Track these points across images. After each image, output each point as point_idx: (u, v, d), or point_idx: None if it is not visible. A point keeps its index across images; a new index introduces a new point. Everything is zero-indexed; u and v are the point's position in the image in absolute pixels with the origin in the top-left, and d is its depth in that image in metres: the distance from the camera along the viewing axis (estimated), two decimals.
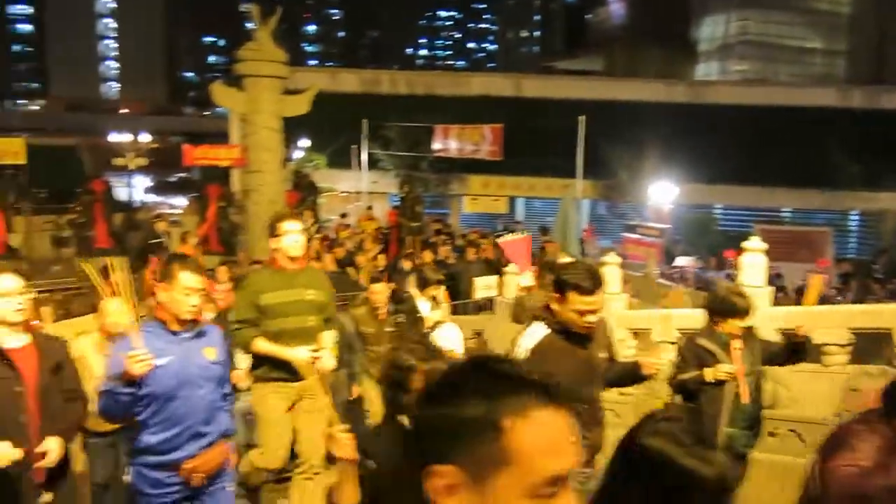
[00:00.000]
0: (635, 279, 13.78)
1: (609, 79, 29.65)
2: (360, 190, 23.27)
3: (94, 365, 4.21)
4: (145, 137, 26.09)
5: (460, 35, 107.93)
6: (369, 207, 20.02)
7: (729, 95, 25.87)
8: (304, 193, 19.36)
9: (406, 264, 10.99)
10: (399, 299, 6.56)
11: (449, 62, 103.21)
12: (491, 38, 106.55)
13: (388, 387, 2.78)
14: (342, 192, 24.73)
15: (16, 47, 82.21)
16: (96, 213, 16.81)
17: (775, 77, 35.76)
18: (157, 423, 3.33)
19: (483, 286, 10.73)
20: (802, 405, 5.55)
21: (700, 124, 23.97)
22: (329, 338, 4.63)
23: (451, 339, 6.43)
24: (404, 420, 2.63)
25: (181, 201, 30.90)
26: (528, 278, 6.38)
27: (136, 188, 26.15)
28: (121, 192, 23.04)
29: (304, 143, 23.65)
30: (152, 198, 32.89)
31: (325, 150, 23.87)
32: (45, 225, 18.95)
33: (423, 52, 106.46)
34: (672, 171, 21.31)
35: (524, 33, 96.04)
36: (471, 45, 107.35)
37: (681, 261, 19.82)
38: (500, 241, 10.10)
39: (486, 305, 11.23)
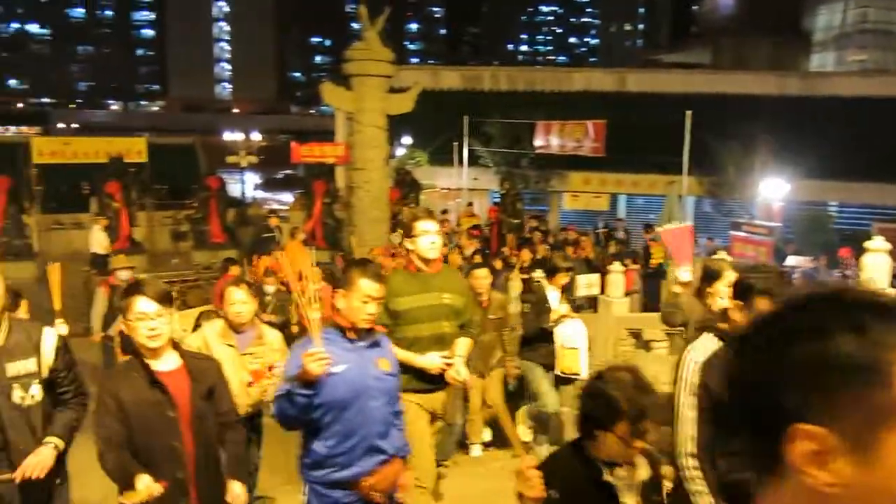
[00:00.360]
0: None
1: (717, 71, 28.74)
2: (461, 187, 23.47)
3: (216, 352, 4.39)
4: (256, 136, 27.14)
5: (562, 30, 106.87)
6: (469, 204, 20.15)
7: (846, 87, 24.59)
8: (405, 190, 19.72)
9: (497, 264, 10.85)
10: (529, 288, 6.45)
11: (550, 57, 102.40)
12: (593, 32, 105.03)
13: (585, 418, 2.48)
14: (442, 189, 24.99)
15: (139, 52, 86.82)
16: (211, 208, 17.62)
17: None
18: (332, 434, 3.20)
19: (584, 284, 10.65)
20: None
21: (814, 118, 22.91)
22: (464, 345, 4.37)
23: (576, 336, 6.33)
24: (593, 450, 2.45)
25: (287, 197, 32.03)
26: (687, 273, 6.05)
27: (246, 185, 27.19)
28: (233, 189, 24.02)
29: (406, 140, 24.02)
30: (260, 194, 34.19)
31: (427, 146, 24.17)
32: (165, 220, 20.01)
33: (524, 47, 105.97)
34: (783, 166, 20.51)
35: (627, 27, 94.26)
36: (572, 39, 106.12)
37: (792, 260, 19.09)
38: (659, 230, 9.84)
39: (586, 305, 11.15)
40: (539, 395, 6.30)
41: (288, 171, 42.99)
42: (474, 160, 23.48)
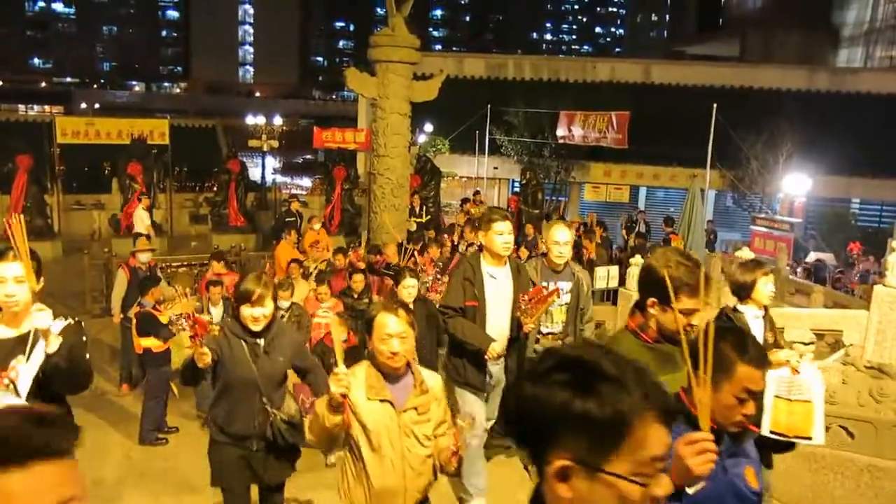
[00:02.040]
0: None
1: (744, 64, 28.37)
2: (481, 175, 23.37)
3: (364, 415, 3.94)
4: (278, 120, 27.14)
5: (586, 19, 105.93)
6: (476, 192, 19.96)
7: (874, 83, 24.22)
8: (426, 178, 19.65)
9: (522, 253, 10.95)
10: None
11: (574, 47, 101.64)
12: (618, 22, 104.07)
13: None
14: (463, 178, 24.91)
15: (163, 33, 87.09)
16: (231, 192, 17.66)
17: None
18: None
19: (601, 276, 10.56)
20: None
21: (841, 113, 22.61)
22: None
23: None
24: None
25: (306, 182, 32.09)
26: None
27: (266, 169, 27.27)
28: (252, 173, 24.08)
29: (428, 127, 23.94)
30: (279, 178, 34.26)
31: (448, 134, 24.09)
32: (186, 202, 20.06)
33: (549, 36, 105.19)
34: (807, 162, 20.27)
35: (654, 17, 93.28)
36: (598, 29, 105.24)
37: (812, 256, 18.89)
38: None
39: (606, 296, 11.08)
40: None
41: (307, 156, 43.08)
42: (495, 149, 23.37)
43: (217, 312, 7.37)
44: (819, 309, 10.46)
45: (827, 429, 5.30)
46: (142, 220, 15.12)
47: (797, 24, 33.74)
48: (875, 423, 5.09)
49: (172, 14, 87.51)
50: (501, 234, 4.71)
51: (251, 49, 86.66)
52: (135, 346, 7.23)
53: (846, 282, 16.49)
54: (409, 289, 5.71)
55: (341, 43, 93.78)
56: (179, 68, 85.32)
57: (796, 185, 19.43)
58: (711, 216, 21.06)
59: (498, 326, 4.81)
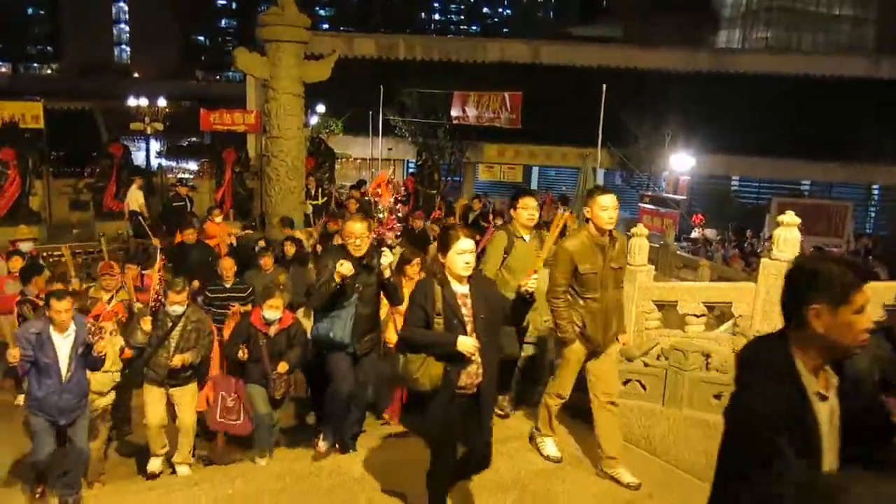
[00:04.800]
0: (653, 251, 13.75)
1: (631, 46, 29.26)
2: (376, 157, 23.18)
3: None
4: (162, 102, 26.00)
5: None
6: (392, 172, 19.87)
7: (752, 64, 25.42)
8: (320, 159, 19.32)
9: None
10: None
11: (463, 27, 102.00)
12: (505, 2, 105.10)
13: None
14: (357, 159, 24.65)
15: (30, 10, 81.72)
16: (113, 177, 16.85)
17: (801, 46, 35.05)
18: None
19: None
20: None
21: (722, 93, 23.61)
22: None
23: None
24: None
25: (192, 166, 30.92)
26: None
27: (149, 153, 26.13)
28: (136, 157, 23.00)
29: (320, 108, 23.52)
30: (164, 162, 32.88)
31: (341, 115, 23.75)
32: (65, 188, 18.99)
33: (437, 16, 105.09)
34: (691, 141, 21.11)
35: None
36: (485, 9, 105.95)
37: (696, 232, 19.74)
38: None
39: None
40: None
41: (192, 139, 41.48)
42: (389, 130, 23.22)
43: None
44: (709, 282, 10.91)
45: (717, 396, 5.58)
46: (136, 199, 15.26)
47: (679, 7, 35.02)
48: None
49: None
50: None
51: (126, 28, 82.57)
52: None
53: (727, 256, 17.31)
54: None
55: (223, 22, 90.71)
56: (49, 48, 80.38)
57: (681, 163, 20.24)
58: None
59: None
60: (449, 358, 3.83)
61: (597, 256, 4.91)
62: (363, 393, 5.49)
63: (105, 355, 5.61)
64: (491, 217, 13.84)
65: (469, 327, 3.88)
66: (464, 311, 3.90)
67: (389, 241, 7.65)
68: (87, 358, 5.46)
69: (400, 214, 9.35)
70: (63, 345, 5.37)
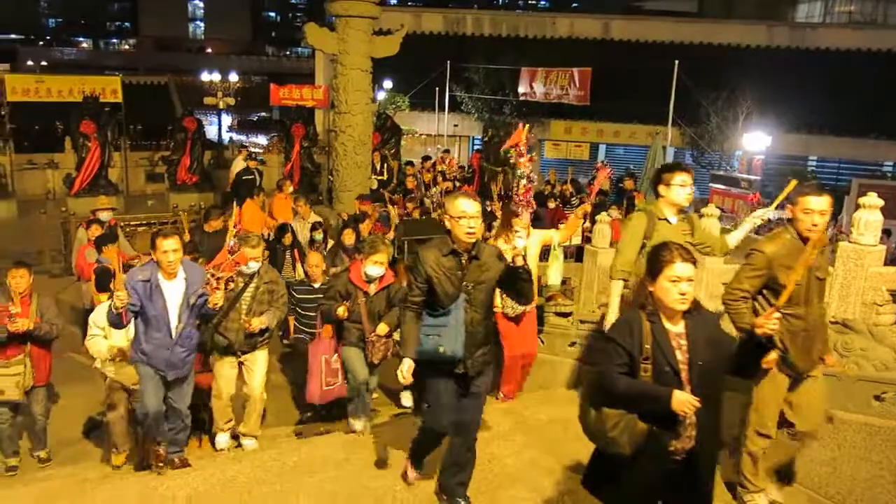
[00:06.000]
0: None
1: (704, 20, 28.40)
2: (442, 133, 23.18)
3: None
4: (234, 77, 26.50)
5: None
6: (446, 151, 19.83)
7: (833, 39, 24.41)
8: (386, 135, 19.41)
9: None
10: None
11: (531, 1, 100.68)
12: None
13: None
14: (423, 135, 24.68)
15: None
16: (187, 150, 17.29)
17: (885, 20, 33.45)
18: None
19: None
20: None
21: (800, 70, 22.78)
22: None
23: None
24: None
25: (262, 140, 31.51)
26: None
27: (220, 127, 26.68)
28: (208, 131, 23.54)
29: (387, 84, 23.60)
30: (234, 136, 33.58)
31: (408, 91, 23.79)
32: (141, 161, 19.63)
33: None
34: (766, 119, 20.46)
35: None
36: None
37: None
38: None
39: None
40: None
41: (262, 114, 42.20)
42: (456, 106, 23.16)
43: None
44: None
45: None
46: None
47: None
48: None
49: None
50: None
51: (200, 4, 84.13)
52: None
53: None
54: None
55: None
56: (127, 24, 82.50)
57: (755, 142, 19.63)
58: None
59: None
60: (656, 417, 3.07)
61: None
62: (466, 431, 4.24)
63: (220, 308, 5.13)
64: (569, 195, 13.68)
65: (683, 376, 3.08)
66: (678, 355, 3.10)
67: (521, 225, 6.15)
68: (201, 310, 5.01)
69: (534, 182, 7.78)
70: (174, 294, 4.86)
